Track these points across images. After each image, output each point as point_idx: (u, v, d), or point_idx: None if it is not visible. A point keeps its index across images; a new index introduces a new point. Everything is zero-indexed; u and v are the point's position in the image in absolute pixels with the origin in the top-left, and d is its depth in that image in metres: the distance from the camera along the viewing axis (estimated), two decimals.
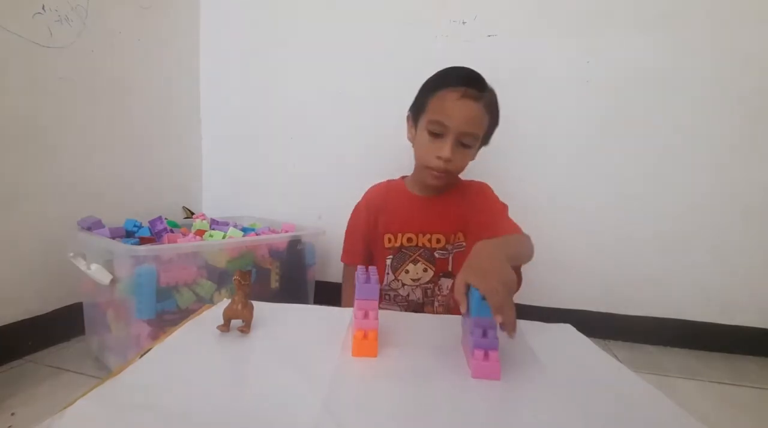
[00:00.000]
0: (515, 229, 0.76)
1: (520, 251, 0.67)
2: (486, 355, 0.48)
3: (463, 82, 0.73)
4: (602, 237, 1.18)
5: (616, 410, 0.43)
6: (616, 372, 0.53)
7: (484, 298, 0.48)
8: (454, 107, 0.72)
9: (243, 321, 0.58)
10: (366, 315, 0.52)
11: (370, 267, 0.57)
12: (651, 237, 1.16)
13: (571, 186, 1.19)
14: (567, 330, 0.68)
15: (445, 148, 0.73)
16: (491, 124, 0.78)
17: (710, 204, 1.12)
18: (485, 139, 0.80)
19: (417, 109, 0.80)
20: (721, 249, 1.12)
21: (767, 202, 1.09)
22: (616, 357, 1.04)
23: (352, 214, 0.92)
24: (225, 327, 0.57)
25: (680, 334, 1.16)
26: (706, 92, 1.10)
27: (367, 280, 0.53)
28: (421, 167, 0.80)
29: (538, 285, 1.16)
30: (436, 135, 0.74)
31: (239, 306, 0.57)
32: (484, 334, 0.49)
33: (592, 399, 0.45)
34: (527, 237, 0.72)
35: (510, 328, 0.48)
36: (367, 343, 0.51)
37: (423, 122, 0.77)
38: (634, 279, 1.18)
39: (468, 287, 0.51)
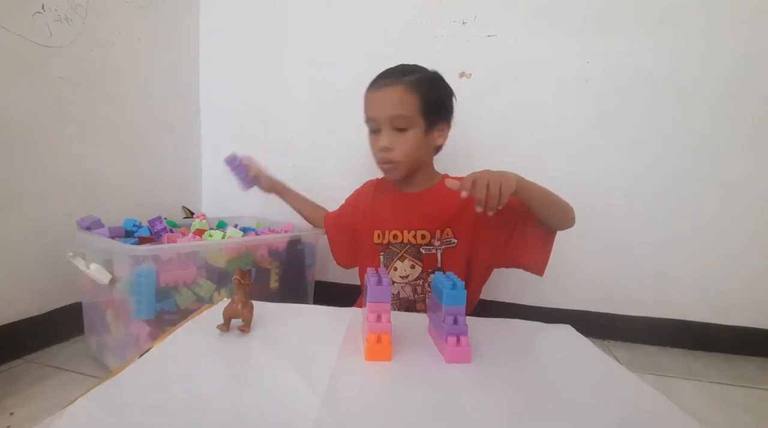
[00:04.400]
0: None
1: (545, 191, 0.71)
2: (458, 341, 0.51)
3: (376, 79, 0.81)
4: (602, 238, 1.18)
5: (616, 411, 0.43)
6: (616, 372, 0.53)
7: (454, 288, 0.53)
8: (372, 100, 0.80)
9: (243, 321, 0.58)
10: (379, 319, 0.52)
11: (380, 269, 0.57)
12: (651, 238, 1.16)
13: (570, 186, 1.17)
14: (567, 330, 0.68)
15: (381, 138, 0.79)
16: (425, 99, 0.78)
17: (710, 204, 1.12)
18: (435, 117, 0.81)
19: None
20: (721, 250, 1.12)
21: (767, 202, 1.09)
22: (615, 357, 1.05)
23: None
24: (225, 327, 0.57)
25: (680, 335, 1.16)
26: (707, 93, 1.10)
27: (379, 282, 0.53)
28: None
29: (538, 285, 1.16)
30: (374, 132, 0.82)
31: (239, 306, 0.57)
32: (455, 321, 0.52)
33: (592, 400, 0.45)
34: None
35: (476, 201, 0.55)
36: (380, 347, 0.51)
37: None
38: (634, 279, 1.18)
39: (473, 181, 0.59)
